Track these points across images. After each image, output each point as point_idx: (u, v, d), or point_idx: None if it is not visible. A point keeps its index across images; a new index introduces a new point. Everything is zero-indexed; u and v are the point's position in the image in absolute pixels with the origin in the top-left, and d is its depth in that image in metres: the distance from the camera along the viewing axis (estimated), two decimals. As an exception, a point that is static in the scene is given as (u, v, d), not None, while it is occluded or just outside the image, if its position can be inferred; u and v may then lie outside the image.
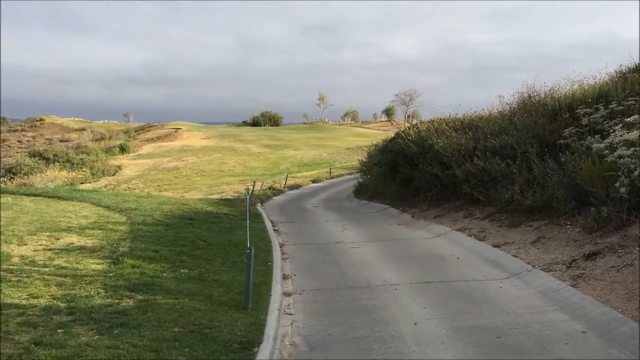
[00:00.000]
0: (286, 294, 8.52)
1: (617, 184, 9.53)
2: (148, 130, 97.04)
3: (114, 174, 54.59)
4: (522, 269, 9.33)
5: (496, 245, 11.21)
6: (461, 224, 14.08)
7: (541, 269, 9.01)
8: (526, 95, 16.77)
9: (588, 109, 12.73)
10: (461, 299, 8.01)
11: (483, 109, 19.26)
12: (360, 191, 25.76)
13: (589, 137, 11.86)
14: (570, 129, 12.64)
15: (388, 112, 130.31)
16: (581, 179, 10.67)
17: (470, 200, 15.39)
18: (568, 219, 11.16)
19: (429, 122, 20.73)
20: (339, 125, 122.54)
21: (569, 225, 10.95)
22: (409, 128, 21.98)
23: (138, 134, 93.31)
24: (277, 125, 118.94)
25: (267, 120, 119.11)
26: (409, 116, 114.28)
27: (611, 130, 11.05)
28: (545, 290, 8.11)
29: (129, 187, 43.22)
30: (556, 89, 15.95)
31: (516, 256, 10.12)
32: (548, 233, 11.02)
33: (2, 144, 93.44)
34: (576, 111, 13.16)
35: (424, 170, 17.78)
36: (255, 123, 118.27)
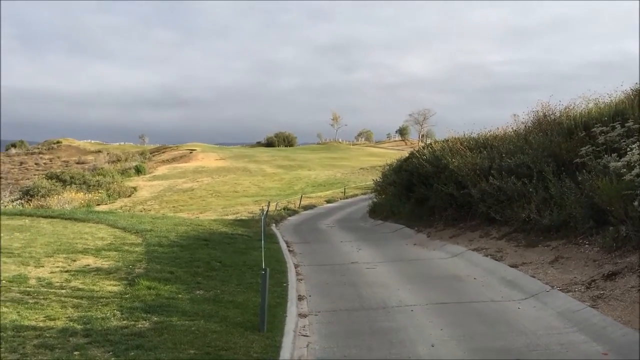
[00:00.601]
0: (301, 315, 8.46)
1: (636, 203, 9.41)
2: (163, 152, 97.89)
3: (129, 196, 54.98)
4: (540, 289, 9.21)
5: (513, 266, 11.08)
6: (477, 244, 13.95)
7: (560, 290, 8.89)
8: (541, 113, 16.68)
9: (604, 128, 12.62)
10: (479, 320, 7.91)
11: (498, 128, 19.16)
12: (375, 211, 25.63)
13: (605, 155, 11.75)
14: (586, 147, 12.53)
15: (402, 131, 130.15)
16: (599, 197, 10.55)
17: (486, 219, 15.26)
18: (586, 239, 11.02)
19: (443, 141, 20.61)
20: (352, 145, 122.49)
21: (587, 245, 10.81)
22: (423, 147, 21.89)
23: (153, 156, 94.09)
24: (291, 145, 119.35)
25: (281, 141, 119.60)
26: (423, 135, 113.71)
27: (628, 149, 10.94)
28: (564, 311, 7.99)
29: (144, 209, 43.43)
30: (571, 107, 15.85)
31: (534, 276, 9.99)
32: (566, 253, 10.88)
33: (19, 167, 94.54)
34: (592, 129, 13.05)
35: (439, 190, 17.67)
36: (269, 144, 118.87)
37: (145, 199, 50.78)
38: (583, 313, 7.68)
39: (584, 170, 11.86)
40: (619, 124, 12.37)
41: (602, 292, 8.25)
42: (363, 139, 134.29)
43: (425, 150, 20.04)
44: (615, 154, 11.45)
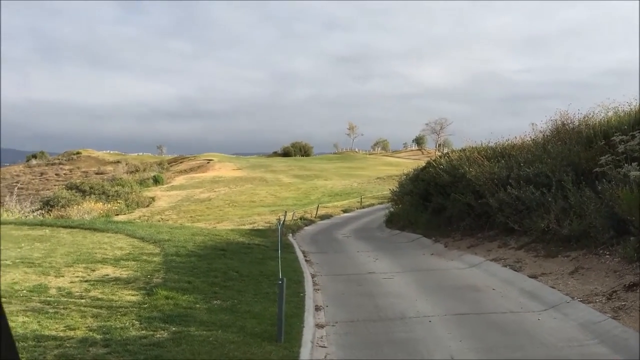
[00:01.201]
0: (319, 326, 8.45)
1: (657, 213, 9.28)
2: (181, 162, 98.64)
3: (147, 206, 55.49)
4: (560, 300, 9.10)
5: (533, 276, 10.97)
6: (496, 254, 13.83)
7: (580, 301, 8.77)
8: (560, 122, 16.55)
9: (624, 136, 12.48)
10: (498, 332, 7.84)
11: (515, 137, 19.03)
12: (392, 221, 25.53)
13: (626, 164, 11.61)
14: (606, 156, 12.40)
15: (418, 141, 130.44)
16: (619, 207, 10.42)
17: (504, 229, 15.13)
18: (607, 249, 10.88)
19: (460, 150, 20.51)
20: (369, 154, 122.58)
21: (607, 255, 10.67)
22: (440, 157, 21.76)
23: (171, 166, 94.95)
24: (308, 155, 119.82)
25: (297, 151, 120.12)
26: (439, 145, 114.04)
27: (649, 158, 10.80)
28: (585, 323, 7.88)
29: (162, 219, 43.79)
30: (590, 116, 15.70)
31: (554, 287, 9.88)
32: (586, 263, 10.74)
33: (39, 178, 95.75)
34: (612, 138, 12.92)
35: (456, 200, 17.59)
36: (285, 153, 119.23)
37: (163, 209, 51.14)
38: (604, 324, 7.58)
39: (604, 180, 11.74)
40: (639, 132, 12.22)
41: (623, 304, 8.13)
42: (379, 149, 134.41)
43: (442, 160, 19.93)
44: (636, 163, 11.31)
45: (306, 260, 15.39)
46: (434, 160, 21.10)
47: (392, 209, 27.38)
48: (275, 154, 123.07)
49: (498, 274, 12.04)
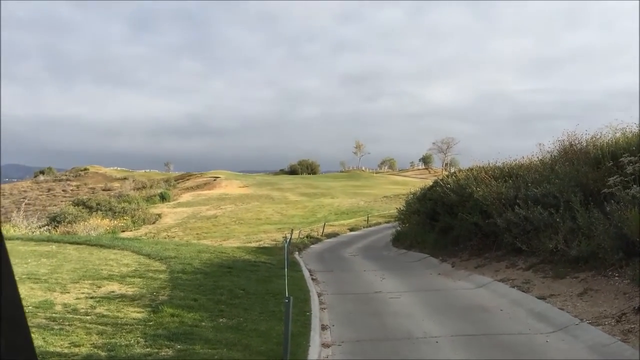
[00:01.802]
0: (325, 345, 8.37)
1: (667, 234, 9.18)
2: (188, 179, 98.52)
3: (154, 222, 55.47)
4: (569, 322, 9.00)
5: (541, 297, 10.86)
6: (504, 275, 13.72)
7: (589, 323, 8.67)
8: (567, 143, 16.50)
9: (632, 157, 12.43)
10: (506, 353, 7.74)
11: (523, 157, 18.98)
12: (399, 240, 25.40)
13: (634, 185, 11.55)
14: (614, 177, 12.34)
15: (425, 160, 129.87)
16: (628, 229, 10.34)
17: (512, 250, 15.02)
18: (616, 270, 10.78)
19: (467, 170, 20.44)
20: (376, 173, 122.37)
21: (617, 277, 10.57)
22: (448, 176, 21.69)
23: (178, 183, 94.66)
24: (314, 173, 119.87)
25: (304, 169, 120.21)
26: (446, 164, 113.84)
27: (658, 179, 10.73)
28: (594, 345, 7.78)
29: (168, 235, 43.56)
30: (598, 136, 15.64)
31: (562, 309, 9.78)
32: (595, 285, 10.64)
33: (47, 193, 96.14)
34: (620, 159, 12.87)
35: (463, 219, 17.48)
36: (292, 171, 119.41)
37: (170, 226, 51.11)
38: (614, 347, 7.48)
39: (612, 201, 11.66)
40: (648, 153, 12.16)
41: (633, 326, 8.03)
42: (386, 167, 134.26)
43: (449, 179, 19.87)
44: (645, 184, 11.23)
45: (312, 279, 15.30)
46: (441, 180, 21.03)
47: (399, 228, 27.24)
48: (282, 172, 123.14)
49: (506, 294, 11.93)
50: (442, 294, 12.83)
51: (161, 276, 13.33)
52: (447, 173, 29.98)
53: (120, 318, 9.05)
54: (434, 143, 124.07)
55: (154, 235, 42.83)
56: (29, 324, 7.36)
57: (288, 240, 17.75)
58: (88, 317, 9.00)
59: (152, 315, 9.28)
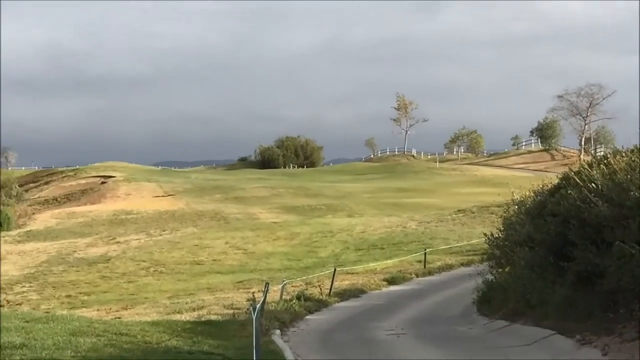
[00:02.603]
0: None
1: None
2: (47, 182, 63.70)
3: None
4: None
5: None
6: None
7: None
8: None
9: None
10: None
11: None
12: (490, 300, 17.47)
13: None
14: None
15: (543, 132, 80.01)
16: None
17: None
18: None
19: (635, 151, 13.39)
20: (439, 162, 77.66)
21: None
22: (590, 165, 14.39)
23: (27, 190, 60.35)
24: (313, 164, 73.65)
25: (290, 156, 72.34)
26: (587, 140, 72.24)
27: None
28: None
29: (8, 300, 25.80)
30: None
31: None
32: None
33: None
34: None
35: (625, 254, 11.97)
36: (265, 161, 71.09)
37: (10, 281, 30.18)
38: None
39: None
40: None
41: None
42: (462, 150, 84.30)
43: (594, 171, 13.03)
44: None
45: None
46: (578, 173, 13.89)
47: (489, 277, 18.57)
48: (244, 163, 74.81)
49: None
50: None
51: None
52: (589, 158, 17.95)
53: None
54: (560, 96, 72.33)
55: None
56: None
57: (259, 305, 10.75)
58: None
59: None
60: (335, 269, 21.96)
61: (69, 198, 56.24)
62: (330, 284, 20.93)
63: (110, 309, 21.84)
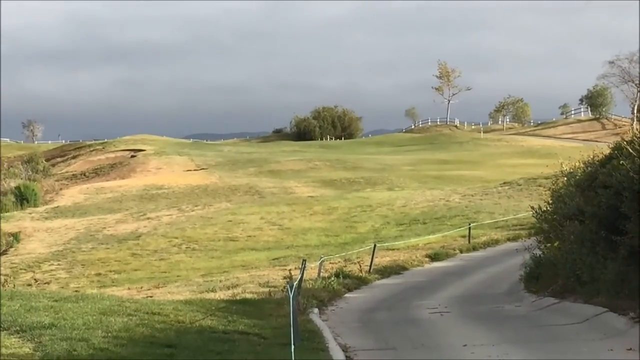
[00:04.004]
0: None
1: None
2: (75, 156, 61.09)
3: (4, 252, 32.33)
4: None
5: None
6: None
7: None
8: None
9: None
10: None
11: None
12: (539, 277, 16.80)
13: None
14: None
15: (593, 100, 74.40)
16: None
17: None
18: None
19: None
20: (484, 132, 75.74)
21: None
22: None
23: (54, 165, 58.68)
24: (351, 136, 72.83)
25: (327, 127, 70.84)
26: None
27: None
28: None
29: (35, 279, 25.89)
30: None
31: None
32: None
33: None
34: None
35: None
36: (301, 133, 70.09)
37: (38, 259, 29.68)
38: None
39: None
40: None
41: None
42: (508, 120, 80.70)
43: None
44: None
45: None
46: (630, 142, 12.96)
47: (537, 252, 17.78)
48: (279, 135, 73.64)
49: None
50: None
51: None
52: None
53: None
54: (611, 62, 68.05)
55: (5, 281, 23.21)
56: None
57: (296, 283, 11.01)
58: None
59: None
60: (375, 245, 21.54)
61: (97, 173, 55.72)
62: (370, 260, 20.51)
63: (141, 287, 21.29)
